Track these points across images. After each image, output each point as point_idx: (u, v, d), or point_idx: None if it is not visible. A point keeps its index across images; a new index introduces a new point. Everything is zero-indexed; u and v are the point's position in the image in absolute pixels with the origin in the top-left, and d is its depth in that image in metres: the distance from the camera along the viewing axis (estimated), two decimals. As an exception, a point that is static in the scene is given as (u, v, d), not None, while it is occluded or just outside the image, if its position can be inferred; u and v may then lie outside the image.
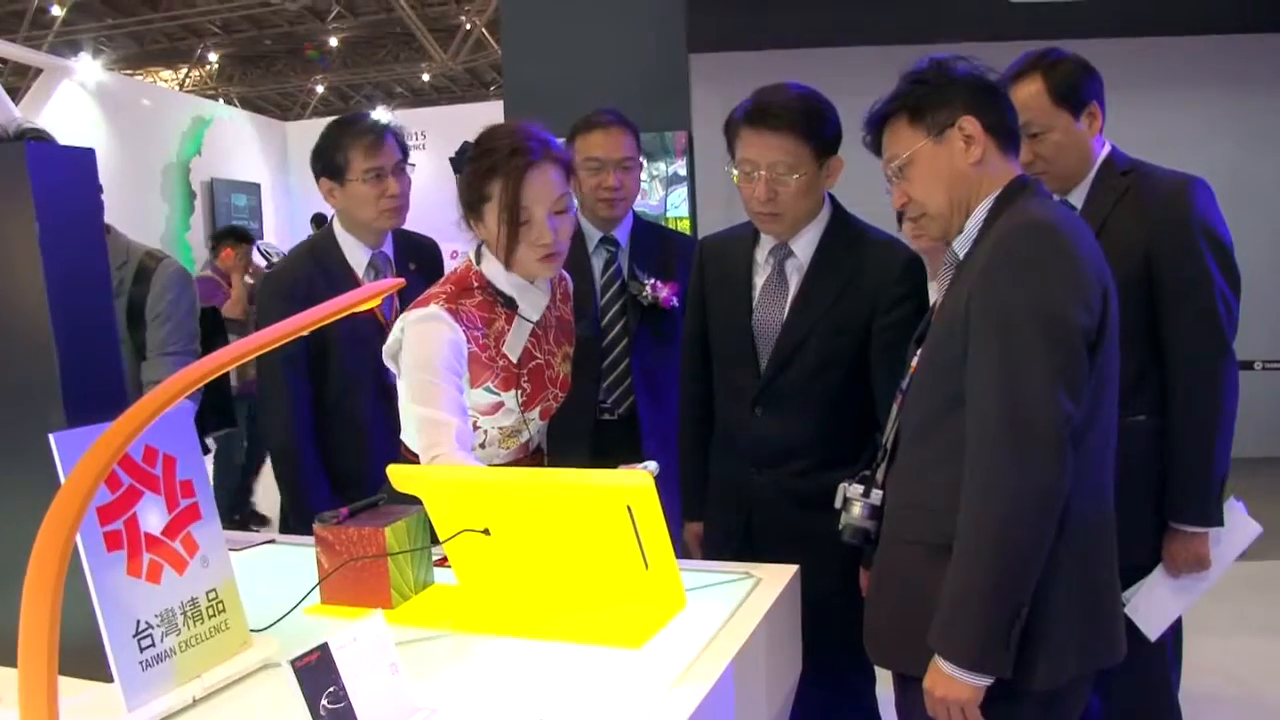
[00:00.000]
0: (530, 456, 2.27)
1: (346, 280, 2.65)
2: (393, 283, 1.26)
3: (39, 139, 2.28)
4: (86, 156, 1.47)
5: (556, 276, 2.23)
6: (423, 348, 1.98)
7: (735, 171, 2.24)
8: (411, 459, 2.13)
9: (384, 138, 2.64)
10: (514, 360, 2.09)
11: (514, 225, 2.00)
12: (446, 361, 1.97)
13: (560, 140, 2.17)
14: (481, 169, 2.01)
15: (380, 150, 2.62)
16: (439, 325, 1.99)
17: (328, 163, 2.66)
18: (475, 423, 2.09)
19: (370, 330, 2.54)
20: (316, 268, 2.67)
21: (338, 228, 2.73)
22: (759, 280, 2.32)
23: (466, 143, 2.11)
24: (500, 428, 2.14)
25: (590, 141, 2.75)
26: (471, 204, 2.06)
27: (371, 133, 2.63)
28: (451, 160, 2.09)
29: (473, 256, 2.13)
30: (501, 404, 2.10)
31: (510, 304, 2.10)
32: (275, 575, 1.97)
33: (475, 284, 2.09)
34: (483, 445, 2.14)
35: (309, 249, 2.83)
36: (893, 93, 1.86)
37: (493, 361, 2.07)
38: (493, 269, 2.09)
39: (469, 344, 2.02)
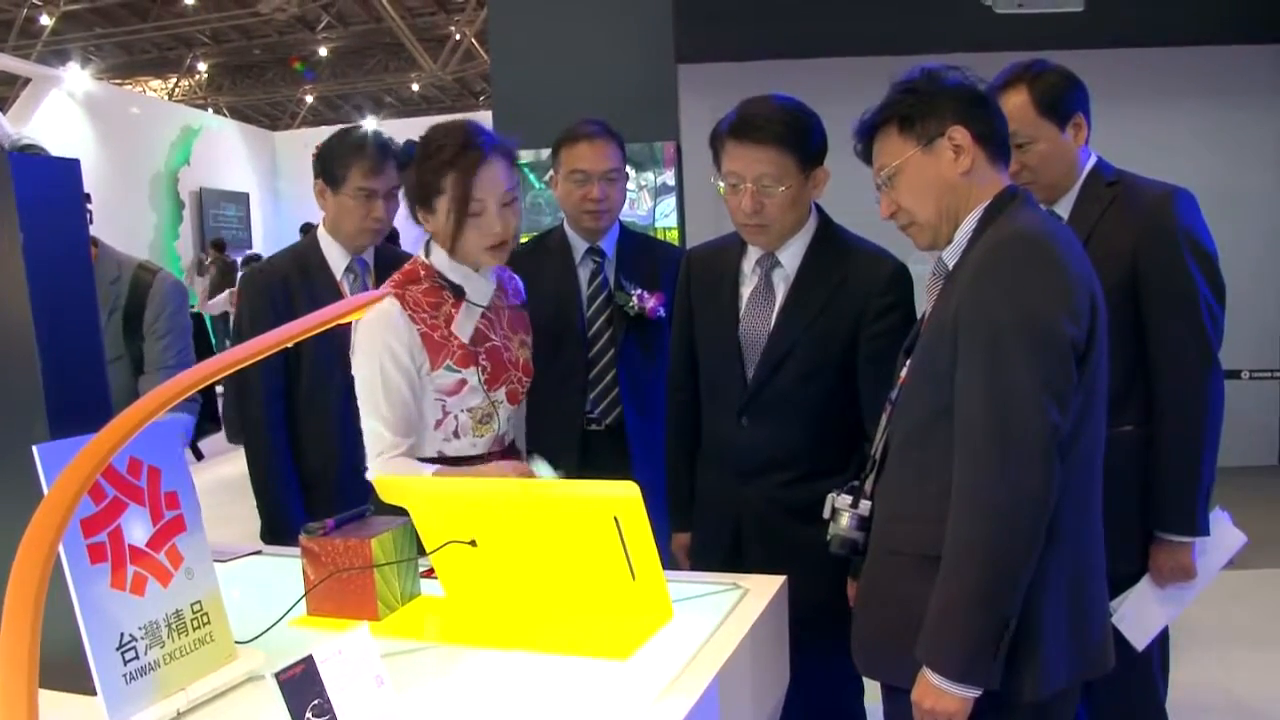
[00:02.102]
0: (506, 452, 2.27)
1: (324, 280, 2.72)
2: (376, 294, 1.26)
3: (35, 155, 2.28)
4: (71, 167, 1.47)
5: (506, 274, 2.33)
6: (367, 345, 2.09)
7: (721, 183, 2.25)
8: None
9: (385, 162, 2.68)
10: (465, 340, 2.16)
11: (463, 216, 2.09)
12: (389, 352, 2.07)
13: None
14: (435, 163, 2.10)
15: (378, 174, 2.67)
16: (381, 315, 2.07)
17: (327, 168, 2.72)
18: (444, 407, 2.15)
19: (343, 328, 2.56)
20: (296, 266, 2.76)
21: (322, 231, 2.79)
22: (746, 290, 2.32)
23: (411, 141, 2.21)
24: (468, 410, 2.17)
25: (575, 153, 2.75)
26: (423, 197, 2.14)
27: (375, 155, 2.68)
28: (399, 160, 2.18)
29: (421, 251, 2.22)
30: (465, 381, 2.15)
31: (457, 291, 2.18)
32: (261, 587, 1.97)
33: (422, 273, 2.18)
34: (455, 434, 2.17)
35: (292, 250, 2.91)
36: (883, 102, 1.86)
37: (446, 341, 2.14)
38: (440, 260, 2.19)
39: (417, 325, 2.10)
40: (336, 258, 2.75)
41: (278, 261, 2.88)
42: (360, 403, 2.12)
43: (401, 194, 2.69)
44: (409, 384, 2.10)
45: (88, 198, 1.62)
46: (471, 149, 2.08)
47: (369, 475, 2.09)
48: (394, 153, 2.72)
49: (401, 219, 2.82)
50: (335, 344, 2.58)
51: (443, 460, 2.17)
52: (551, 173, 2.86)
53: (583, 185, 2.74)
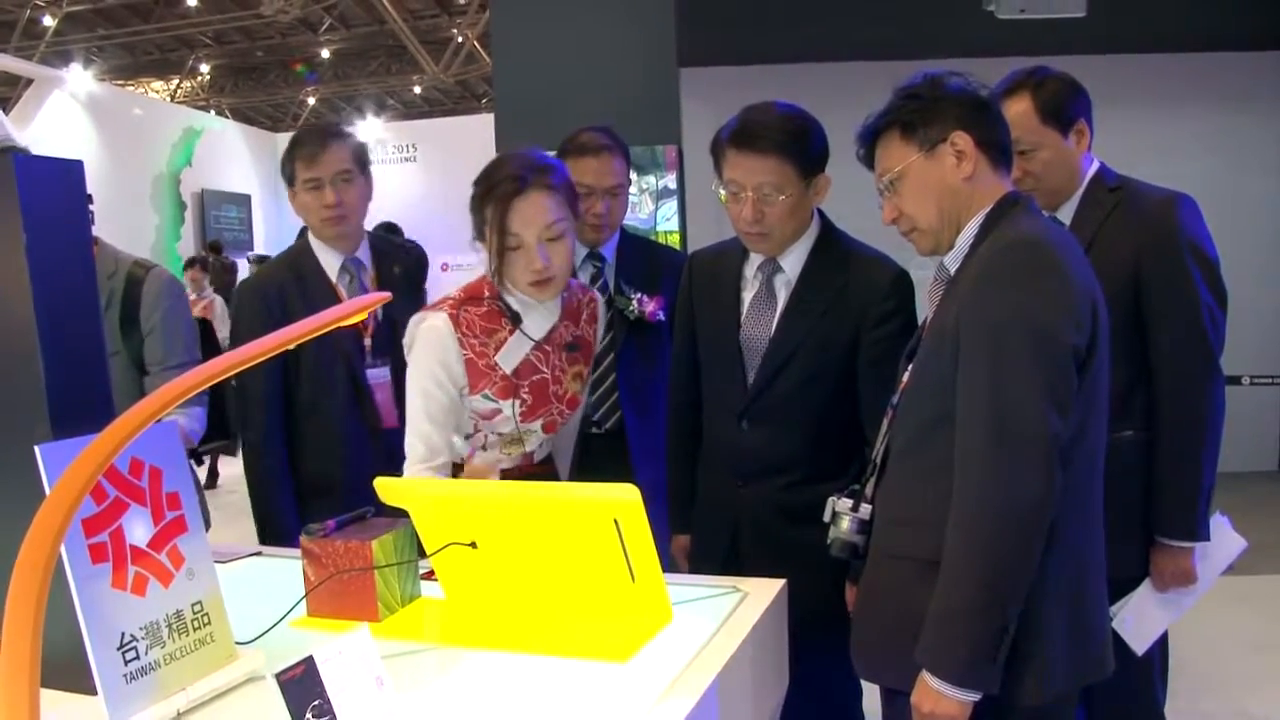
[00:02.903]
0: (536, 466, 2.27)
1: (320, 285, 2.67)
2: (378, 296, 1.26)
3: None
4: (74, 168, 1.47)
5: (574, 298, 2.29)
6: (418, 360, 2.12)
7: (722, 191, 2.25)
8: None
9: (324, 148, 2.63)
10: (508, 372, 2.14)
11: (503, 249, 2.07)
12: (430, 372, 2.09)
13: (552, 153, 2.20)
14: (478, 194, 2.10)
15: (317, 161, 2.62)
16: (431, 332, 2.11)
17: (284, 171, 2.71)
18: (476, 425, 2.16)
19: (342, 333, 2.55)
20: (291, 274, 2.71)
21: (310, 234, 2.75)
22: (747, 295, 2.32)
23: None
24: (499, 434, 2.18)
25: (580, 167, 2.71)
26: (476, 228, 2.14)
27: (312, 143, 2.64)
28: (355, 146, 2.27)
29: (490, 270, 2.19)
30: (499, 411, 2.15)
31: (515, 319, 2.16)
32: (263, 588, 1.97)
33: (487, 294, 2.16)
34: (484, 448, 2.19)
35: (285, 256, 2.86)
36: (886, 107, 1.86)
37: (490, 370, 2.13)
38: (507, 288, 2.17)
39: (464, 350, 2.10)
40: (329, 260, 2.70)
41: (272, 270, 2.84)
42: (407, 410, 2.14)
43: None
44: (450, 401, 2.12)
45: (89, 199, 1.62)
46: (507, 181, 2.05)
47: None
48: (339, 136, 2.68)
49: (403, 211, 2.82)
50: (338, 351, 2.57)
51: (465, 464, 2.20)
52: None
53: (585, 199, 2.72)
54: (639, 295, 2.75)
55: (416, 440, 2.12)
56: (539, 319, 2.18)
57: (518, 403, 2.14)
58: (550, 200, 2.06)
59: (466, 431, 2.18)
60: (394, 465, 2.14)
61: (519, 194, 2.04)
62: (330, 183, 2.62)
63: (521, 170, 2.05)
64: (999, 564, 1.58)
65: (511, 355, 2.14)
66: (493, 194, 2.06)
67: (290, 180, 2.68)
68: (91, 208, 2.34)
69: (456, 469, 2.20)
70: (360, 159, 2.70)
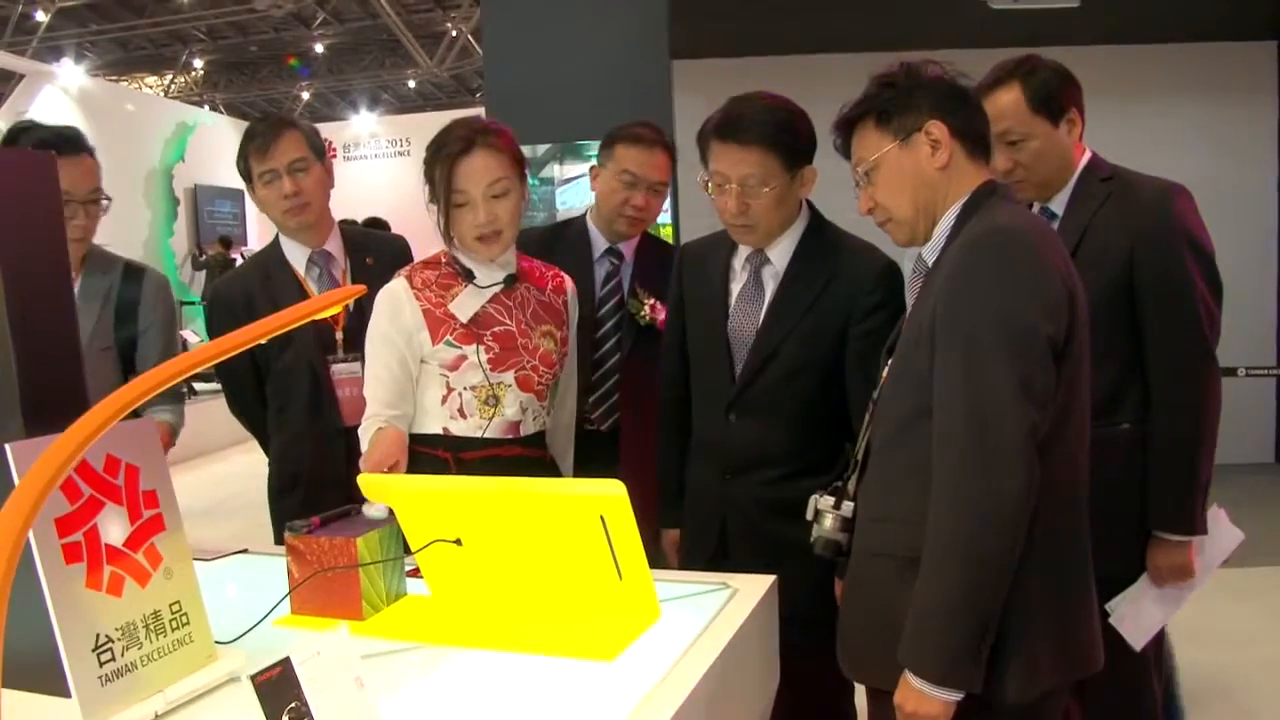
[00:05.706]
0: (525, 444, 2.24)
1: (287, 280, 2.65)
2: (352, 290, 1.24)
3: (27, 132, 2.29)
4: (47, 162, 1.45)
5: (537, 269, 2.34)
6: (372, 321, 2.23)
7: (708, 183, 2.23)
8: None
9: (276, 138, 2.59)
10: (463, 320, 2.20)
11: (449, 207, 2.18)
12: (382, 331, 2.20)
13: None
14: (428, 156, 2.21)
15: (269, 152, 2.58)
16: (386, 293, 2.22)
17: (240, 169, 2.67)
18: (448, 383, 2.20)
19: (309, 331, 2.54)
20: (258, 276, 2.70)
21: (278, 232, 2.73)
22: (735, 287, 2.31)
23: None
24: (471, 388, 2.19)
25: (631, 155, 2.72)
26: (430, 191, 2.23)
27: (263, 134, 2.60)
28: (308, 134, 2.31)
29: (439, 227, 2.28)
30: (464, 358, 2.18)
31: (469, 274, 2.24)
32: (246, 586, 1.95)
33: (442, 260, 2.27)
34: (461, 412, 2.20)
35: (255, 258, 2.85)
36: (861, 96, 1.83)
37: (449, 317, 2.21)
38: (458, 248, 2.26)
39: (420, 302, 2.20)
40: (296, 255, 2.68)
41: (238, 276, 2.84)
42: (366, 367, 2.24)
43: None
44: (398, 360, 2.18)
45: (60, 194, 1.60)
46: (455, 142, 2.15)
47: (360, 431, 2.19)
48: (289, 125, 2.65)
49: (397, 205, 2.81)
50: (299, 349, 2.55)
51: (447, 438, 2.20)
52: (594, 165, 2.83)
53: (629, 189, 2.71)
54: (652, 301, 2.72)
55: (372, 389, 2.18)
56: (490, 273, 2.24)
57: (482, 348, 2.18)
58: (495, 159, 2.16)
59: (440, 393, 2.19)
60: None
61: (465, 153, 2.15)
62: (286, 172, 2.59)
63: (468, 132, 2.17)
64: (978, 560, 1.55)
65: (465, 304, 2.21)
66: (441, 154, 2.16)
67: (247, 177, 2.65)
68: (105, 201, 2.36)
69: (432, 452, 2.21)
70: (315, 146, 2.66)
